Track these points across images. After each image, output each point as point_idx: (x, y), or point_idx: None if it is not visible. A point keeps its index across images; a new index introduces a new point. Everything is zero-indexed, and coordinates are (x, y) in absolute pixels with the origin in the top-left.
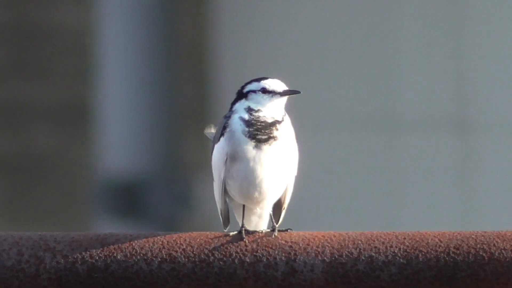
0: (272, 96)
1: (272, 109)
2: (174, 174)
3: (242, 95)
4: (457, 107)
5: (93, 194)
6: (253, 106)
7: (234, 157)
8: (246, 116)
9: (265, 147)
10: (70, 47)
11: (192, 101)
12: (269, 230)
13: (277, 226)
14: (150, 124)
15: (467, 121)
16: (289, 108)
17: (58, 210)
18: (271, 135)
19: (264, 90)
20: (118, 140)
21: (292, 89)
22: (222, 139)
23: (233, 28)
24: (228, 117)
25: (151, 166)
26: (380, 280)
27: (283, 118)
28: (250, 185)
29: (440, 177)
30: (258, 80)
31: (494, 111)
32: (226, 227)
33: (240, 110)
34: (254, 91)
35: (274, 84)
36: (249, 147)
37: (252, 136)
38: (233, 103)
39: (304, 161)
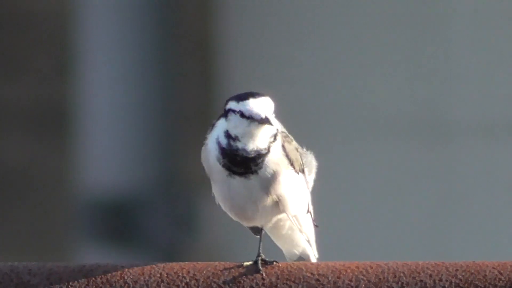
0: (250, 122)
1: (252, 138)
2: (174, 191)
3: (224, 111)
4: None
5: (75, 216)
6: (231, 131)
7: (210, 176)
8: (223, 142)
9: (241, 179)
10: (47, 37)
11: (195, 103)
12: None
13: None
14: (145, 130)
15: None
16: (317, 111)
17: (33, 235)
18: (249, 170)
19: (242, 114)
20: (105, 149)
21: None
22: (202, 150)
23: (245, 16)
24: (211, 127)
25: (146, 181)
26: None
27: (269, 148)
28: (231, 209)
29: (502, 194)
30: (239, 99)
31: None
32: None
33: (220, 130)
34: (233, 111)
35: (255, 107)
36: (223, 175)
37: (226, 167)
38: (221, 115)
39: (334, 174)
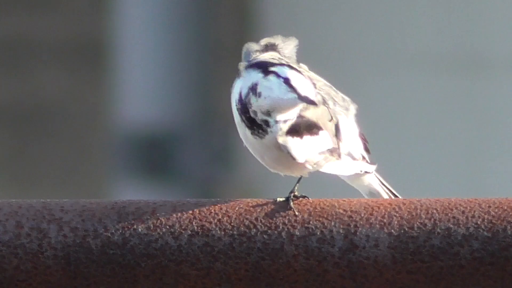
0: (288, 91)
1: (277, 106)
2: (210, 125)
3: (266, 69)
4: None
5: (110, 151)
6: (260, 87)
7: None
8: (243, 92)
9: (253, 135)
10: None
11: (231, 36)
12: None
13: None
14: (181, 64)
15: None
16: (357, 47)
17: (67, 171)
18: (260, 133)
19: (286, 81)
20: (141, 84)
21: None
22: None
23: None
24: (241, 71)
25: (182, 115)
26: (460, 257)
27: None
28: (255, 155)
29: None
30: (290, 67)
31: None
32: None
33: (248, 79)
34: (277, 75)
35: (301, 83)
36: (240, 122)
37: (241, 119)
38: (255, 64)
39: (366, 111)
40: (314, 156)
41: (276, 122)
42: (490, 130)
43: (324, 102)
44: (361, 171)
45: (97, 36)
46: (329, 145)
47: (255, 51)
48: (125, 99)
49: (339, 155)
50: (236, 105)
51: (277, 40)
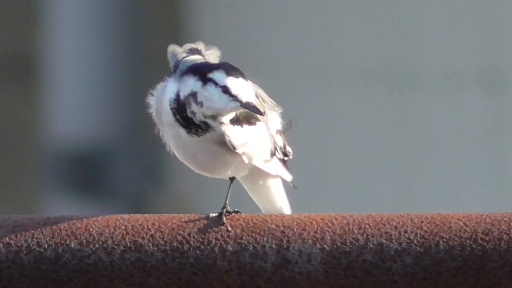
0: (230, 101)
1: (220, 115)
2: (142, 141)
3: (204, 76)
4: (488, 60)
5: (41, 167)
6: (201, 97)
7: (160, 117)
8: (182, 95)
9: (188, 134)
10: None
11: (162, 51)
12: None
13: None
14: (112, 79)
15: (500, 77)
16: (285, 59)
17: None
18: (199, 131)
19: (226, 90)
20: (73, 99)
21: (256, 103)
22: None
23: None
24: (172, 72)
25: (113, 131)
26: (392, 272)
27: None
28: (185, 159)
29: (467, 144)
30: (227, 72)
31: None
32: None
33: (186, 85)
34: (215, 84)
35: (241, 88)
36: (173, 122)
37: (172, 112)
38: (191, 69)
39: (300, 123)
40: (251, 146)
41: (220, 123)
42: (422, 145)
43: (257, 97)
44: (280, 175)
45: (28, 51)
46: (266, 137)
47: (181, 52)
48: (56, 115)
49: (272, 151)
50: (170, 104)
51: (200, 45)
